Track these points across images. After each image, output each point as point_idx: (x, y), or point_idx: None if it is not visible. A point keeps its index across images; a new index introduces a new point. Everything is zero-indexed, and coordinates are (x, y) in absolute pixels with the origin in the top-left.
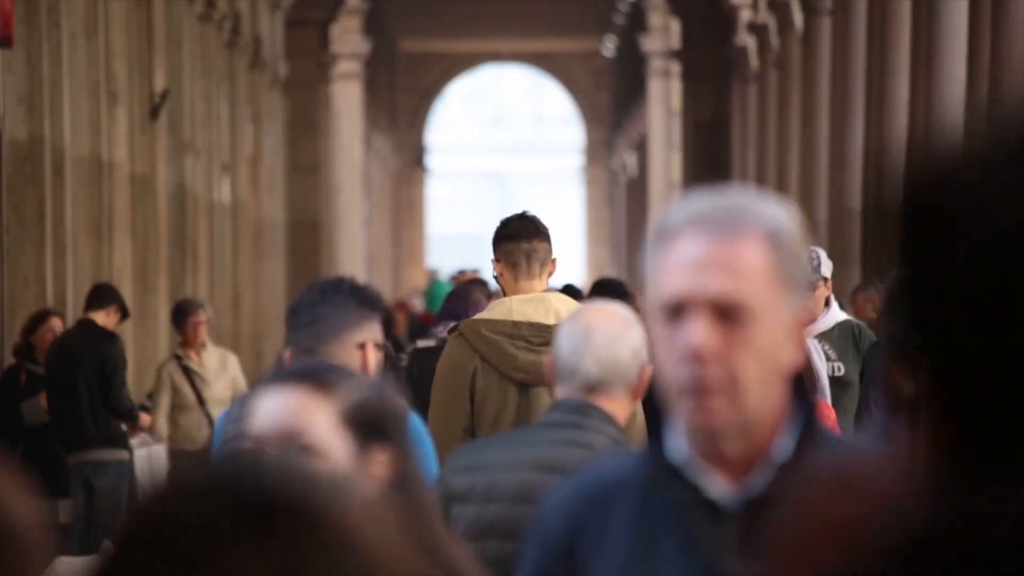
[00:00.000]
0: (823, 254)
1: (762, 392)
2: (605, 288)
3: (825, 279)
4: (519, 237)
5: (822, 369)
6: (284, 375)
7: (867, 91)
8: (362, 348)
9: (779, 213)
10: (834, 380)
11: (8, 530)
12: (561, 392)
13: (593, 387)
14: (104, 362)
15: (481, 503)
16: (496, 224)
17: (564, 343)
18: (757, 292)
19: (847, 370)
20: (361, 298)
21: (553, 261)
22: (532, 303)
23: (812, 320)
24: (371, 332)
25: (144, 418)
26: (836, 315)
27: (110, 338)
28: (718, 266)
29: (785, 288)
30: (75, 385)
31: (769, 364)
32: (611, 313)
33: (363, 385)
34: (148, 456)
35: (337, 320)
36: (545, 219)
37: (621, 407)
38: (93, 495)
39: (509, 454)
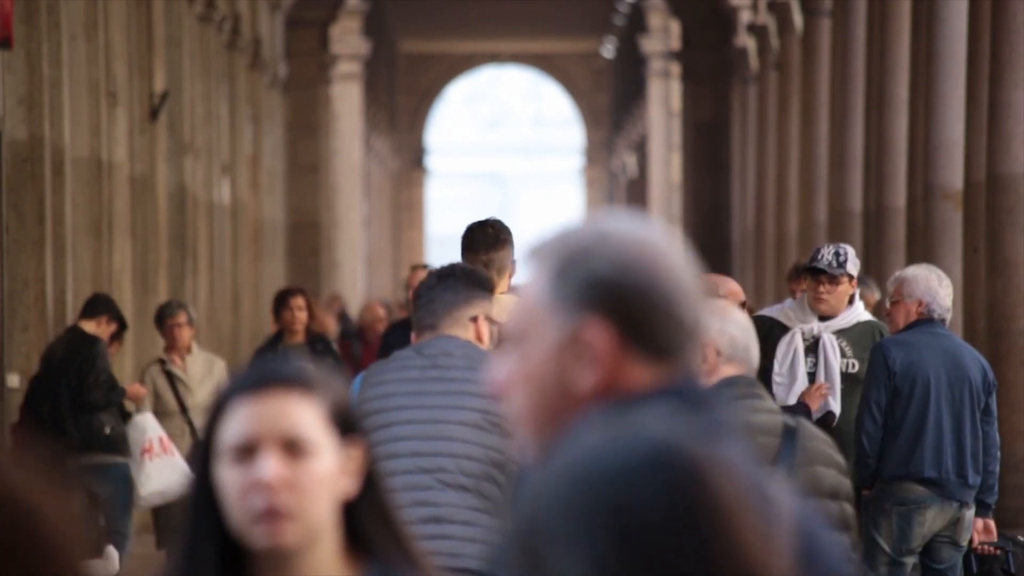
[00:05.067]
0: (851, 251)
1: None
2: None
3: (851, 276)
4: (478, 249)
5: (835, 365)
6: (262, 377)
7: (867, 91)
8: (474, 321)
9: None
10: (847, 376)
11: (36, 532)
12: (733, 371)
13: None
14: (83, 365)
15: None
16: (463, 231)
17: (735, 329)
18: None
19: (861, 368)
20: (471, 280)
21: (513, 263)
22: None
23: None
24: (482, 308)
25: (133, 388)
26: (860, 314)
27: (91, 342)
28: None
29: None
30: (58, 390)
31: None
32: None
33: (333, 381)
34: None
35: (451, 298)
36: (507, 223)
37: None
38: (93, 500)
39: None
